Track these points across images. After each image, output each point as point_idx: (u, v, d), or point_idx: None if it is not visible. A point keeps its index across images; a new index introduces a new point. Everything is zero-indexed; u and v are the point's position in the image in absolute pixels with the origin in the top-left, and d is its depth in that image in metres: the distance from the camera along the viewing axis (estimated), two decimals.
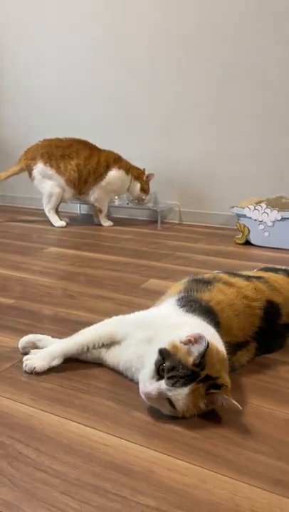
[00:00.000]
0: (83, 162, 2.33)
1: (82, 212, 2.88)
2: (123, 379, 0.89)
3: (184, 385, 0.72)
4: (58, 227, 2.40)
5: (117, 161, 2.38)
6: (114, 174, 2.36)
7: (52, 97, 2.81)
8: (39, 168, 2.34)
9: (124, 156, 2.44)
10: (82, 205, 2.85)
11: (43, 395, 0.84)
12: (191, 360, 0.74)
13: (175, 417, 0.77)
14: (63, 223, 2.42)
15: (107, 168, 2.36)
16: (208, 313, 0.88)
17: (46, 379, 0.90)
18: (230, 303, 0.91)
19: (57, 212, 2.44)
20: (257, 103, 2.28)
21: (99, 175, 2.36)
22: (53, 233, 2.27)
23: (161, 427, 0.75)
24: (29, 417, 0.77)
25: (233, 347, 0.89)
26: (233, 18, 2.25)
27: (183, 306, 0.89)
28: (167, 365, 0.73)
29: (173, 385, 0.72)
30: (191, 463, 0.67)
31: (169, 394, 0.73)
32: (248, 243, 2.08)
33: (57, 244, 2.02)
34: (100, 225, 2.48)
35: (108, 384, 0.88)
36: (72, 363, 0.96)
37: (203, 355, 0.73)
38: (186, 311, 0.88)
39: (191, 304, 0.89)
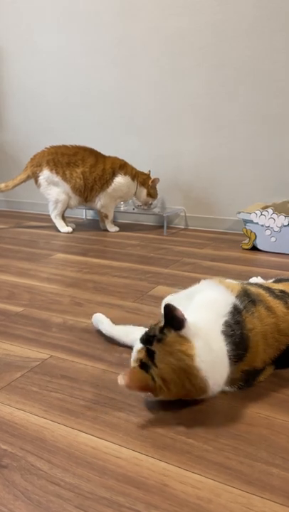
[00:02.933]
0: (89, 170, 2.33)
1: (88, 217, 2.89)
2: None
3: (141, 340, 0.82)
4: (65, 232, 2.41)
5: (122, 167, 2.39)
6: (120, 180, 2.37)
7: (55, 101, 2.82)
8: (45, 175, 2.34)
9: (129, 161, 2.44)
10: (88, 211, 2.86)
11: (55, 406, 0.84)
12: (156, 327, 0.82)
13: (188, 429, 0.77)
14: (70, 229, 2.42)
15: (113, 174, 2.37)
16: (242, 342, 0.85)
17: (57, 389, 0.90)
18: (265, 335, 0.88)
19: (63, 217, 2.45)
20: (263, 107, 2.28)
21: (105, 182, 2.36)
22: (60, 239, 2.28)
23: (174, 439, 0.75)
24: (41, 429, 0.77)
25: (252, 374, 0.88)
26: (237, 18, 2.25)
27: (229, 323, 0.86)
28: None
29: (140, 338, 0.83)
30: (204, 476, 0.67)
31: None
32: (254, 248, 2.08)
33: (64, 251, 2.03)
34: (106, 230, 2.49)
35: (119, 394, 0.88)
36: (82, 372, 0.96)
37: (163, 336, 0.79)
38: (223, 332, 0.85)
39: (238, 326, 0.86)
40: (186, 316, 0.81)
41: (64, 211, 2.43)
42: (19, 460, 0.70)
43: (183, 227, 2.62)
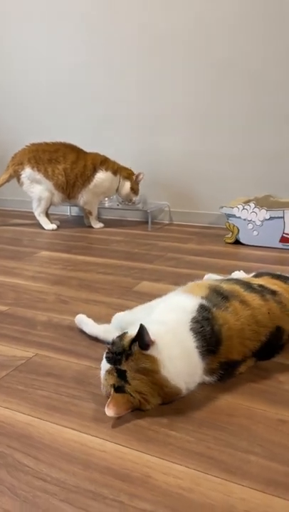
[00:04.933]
0: (70, 166, 2.34)
1: (73, 214, 2.89)
2: None
3: (108, 360, 0.83)
4: (49, 230, 2.41)
5: (103, 162, 2.39)
6: (101, 176, 2.37)
7: (39, 98, 2.81)
8: (27, 173, 2.34)
9: (112, 157, 2.45)
10: (72, 207, 2.86)
11: (41, 403, 0.86)
12: (126, 343, 0.83)
13: (171, 421, 0.80)
14: (54, 226, 2.42)
15: (94, 170, 2.37)
16: (214, 335, 0.88)
17: (43, 387, 0.91)
18: (240, 328, 0.91)
19: (47, 215, 2.45)
20: (244, 103, 2.30)
21: (86, 178, 2.37)
22: (44, 236, 2.28)
23: (157, 431, 0.77)
24: (27, 426, 0.79)
25: (230, 365, 0.91)
26: (221, 16, 2.26)
27: (195, 321, 0.89)
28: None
29: (106, 357, 0.84)
30: (186, 466, 0.69)
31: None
32: (237, 242, 2.11)
33: (48, 248, 2.03)
34: (91, 227, 2.50)
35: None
36: (67, 369, 0.97)
37: (131, 353, 0.81)
38: (192, 329, 0.87)
39: (202, 324, 0.89)
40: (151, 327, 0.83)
41: (48, 208, 2.43)
42: (5, 457, 0.71)
43: (167, 222, 2.64)
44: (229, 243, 2.12)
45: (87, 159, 2.36)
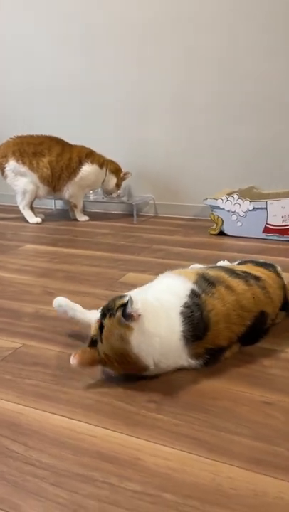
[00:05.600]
0: (55, 159, 2.32)
1: (58, 207, 2.88)
2: (105, 371, 0.92)
3: (101, 311, 0.88)
4: (34, 223, 2.40)
5: (89, 155, 2.39)
6: (87, 169, 2.37)
7: (19, 90, 2.78)
8: (11, 165, 2.32)
9: (98, 150, 2.44)
10: (57, 201, 2.85)
11: (29, 392, 0.86)
12: (117, 304, 0.86)
13: (158, 405, 0.81)
14: (39, 219, 2.41)
15: (80, 163, 2.36)
16: (202, 321, 0.90)
17: (30, 376, 0.92)
18: (226, 313, 0.93)
19: (31, 208, 2.44)
20: (228, 96, 2.32)
21: (72, 171, 2.36)
22: (29, 230, 2.27)
23: (145, 416, 0.79)
24: (16, 414, 0.79)
25: (217, 352, 0.92)
26: (204, 6, 2.27)
27: (187, 306, 0.91)
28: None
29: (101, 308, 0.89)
30: (174, 448, 0.71)
31: None
32: (221, 233, 2.13)
33: (33, 241, 2.02)
34: (76, 220, 2.49)
35: (90, 377, 0.91)
36: (53, 359, 0.98)
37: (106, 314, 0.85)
38: (182, 313, 0.90)
39: (197, 308, 0.91)
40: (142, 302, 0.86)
41: (32, 202, 2.42)
42: None
43: (152, 214, 2.64)
44: (214, 234, 2.14)
45: (73, 152, 2.35)
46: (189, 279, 1.00)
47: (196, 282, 0.98)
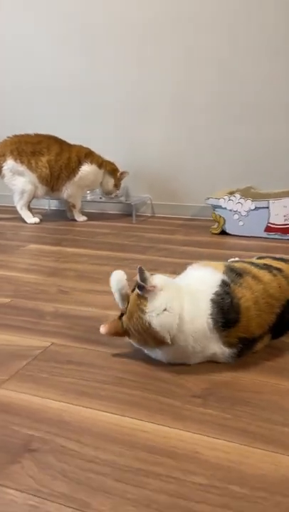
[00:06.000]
0: (54, 158, 2.30)
1: (52, 207, 2.85)
2: (141, 368, 0.92)
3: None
4: (31, 223, 2.37)
5: (88, 155, 2.37)
6: (86, 169, 2.35)
7: (18, 89, 2.74)
8: (9, 164, 2.28)
9: (96, 150, 2.43)
10: (51, 201, 2.82)
11: (69, 389, 0.85)
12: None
13: (203, 400, 0.81)
14: (37, 219, 2.38)
15: (79, 163, 2.35)
16: (233, 309, 0.91)
17: (66, 374, 0.90)
18: (256, 301, 0.94)
19: (29, 208, 2.40)
20: (227, 97, 2.34)
21: (71, 170, 2.34)
22: (28, 230, 2.23)
23: (192, 410, 0.78)
24: (61, 412, 0.78)
25: (250, 342, 0.93)
26: (200, 12, 2.29)
27: (219, 294, 0.93)
28: None
29: None
30: (229, 441, 0.71)
31: None
32: (223, 233, 2.15)
33: (35, 241, 1.99)
34: (74, 220, 2.47)
35: (128, 374, 0.90)
36: (86, 356, 0.97)
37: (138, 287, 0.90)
38: (212, 299, 0.92)
39: (228, 296, 0.92)
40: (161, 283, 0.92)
41: (30, 201, 2.39)
42: (48, 443, 0.70)
43: (149, 214, 2.65)
44: (215, 234, 2.15)
45: (72, 151, 2.33)
46: (218, 270, 1.01)
47: (224, 273, 1.00)
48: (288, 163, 2.31)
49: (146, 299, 0.89)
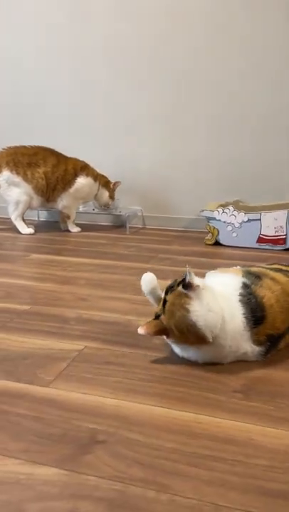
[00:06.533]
0: (51, 170, 2.34)
1: (42, 219, 2.87)
2: (179, 368, 0.97)
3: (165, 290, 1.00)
4: (26, 234, 2.38)
5: (84, 168, 2.43)
6: (82, 181, 2.40)
7: (7, 103, 2.77)
8: (5, 175, 2.30)
9: (89, 163, 2.48)
10: (41, 212, 2.84)
11: (116, 388, 0.89)
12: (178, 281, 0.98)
13: (245, 395, 0.87)
14: (31, 230, 2.40)
15: (75, 175, 2.39)
16: (258, 307, 0.99)
17: (110, 374, 0.94)
18: (277, 299, 1.02)
19: (22, 219, 2.42)
20: (215, 113, 2.46)
21: (67, 182, 2.38)
22: (23, 240, 2.25)
23: (238, 404, 0.84)
24: (117, 408, 0.82)
25: (276, 339, 1.01)
26: (188, 33, 2.41)
27: (243, 295, 1.00)
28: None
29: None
30: (281, 429, 0.77)
31: None
32: (217, 243, 2.24)
33: (37, 251, 2.02)
34: (68, 231, 2.50)
35: (168, 373, 0.95)
36: (124, 358, 1.01)
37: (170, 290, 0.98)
38: (240, 300, 0.99)
39: (252, 297, 1.00)
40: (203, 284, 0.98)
41: (24, 212, 2.40)
42: (113, 435, 0.74)
43: (141, 226, 2.71)
44: (209, 244, 2.24)
45: (68, 164, 2.38)
46: (237, 274, 1.10)
47: (244, 276, 1.09)
48: (274, 178, 2.44)
49: (190, 298, 0.94)
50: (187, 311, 0.93)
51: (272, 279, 1.09)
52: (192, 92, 2.47)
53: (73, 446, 0.72)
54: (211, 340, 0.93)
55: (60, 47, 2.60)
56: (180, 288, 0.96)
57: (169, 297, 0.97)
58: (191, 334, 0.94)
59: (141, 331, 0.98)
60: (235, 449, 0.72)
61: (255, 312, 0.98)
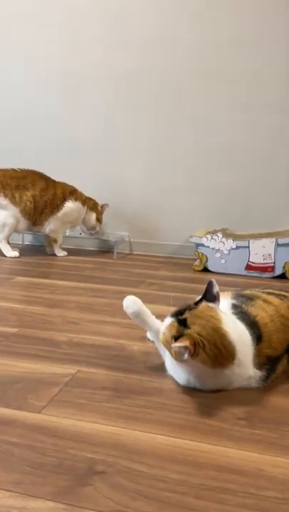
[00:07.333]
0: (39, 193, 2.31)
1: (26, 242, 2.82)
2: (178, 394, 0.92)
3: (171, 315, 0.94)
4: (11, 257, 2.32)
5: (72, 192, 2.41)
6: (71, 205, 2.38)
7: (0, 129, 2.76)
8: None
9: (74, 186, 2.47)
10: (25, 236, 2.79)
11: (113, 414, 0.84)
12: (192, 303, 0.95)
13: (248, 422, 0.83)
14: (16, 253, 2.34)
15: (64, 199, 2.37)
16: (254, 325, 0.96)
17: (105, 400, 0.89)
18: (271, 319, 1.00)
19: (8, 243, 2.37)
20: (200, 141, 2.49)
21: (55, 206, 2.35)
22: (8, 263, 2.19)
23: (241, 432, 0.80)
24: (114, 435, 0.77)
25: (274, 361, 0.98)
26: (180, 63, 2.46)
27: (236, 314, 0.99)
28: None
29: (170, 314, 0.95)
30: (288, 458, 0.73)
31: None
32: (205, 270, 2.22)
33: (22, 274, 1.96)
34: (54, 255, 2.45)
35: (167, 399, 0.90)
36: (119, 383, 0.96)
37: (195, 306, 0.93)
38: (237, 317, 0.98)
39: (243, 315, 0.98)
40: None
41: (10, 235, 2.35)
42: (113, 465, 0.69)
43: (128, 252, 2.68)
44: (198, 270, 2.22)
45: (57, 188, 2.36)
46: (226, 297, 1.08)
47: (233, 298, 1.09)
48: (261, 208, 2.46)
49: (218, 310, 0.92)
50: (218, 321, 0.90)
51: (265, 300, 1.08)
52: (182, 121, 2.50)
53: (70, 477, 0.66)
54: (236, 361, 0.89)
55: (49, 69, 2.62)
56: (204, 302, 0.93)
57: (189, 314, 0.91)
58: (222, 347, 0.88)
59: (179, 344, 0.85)
60: (245, 480, 0.67)
61: (253, 329, 0.96)
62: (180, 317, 0.92)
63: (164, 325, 0.94)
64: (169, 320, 0.94)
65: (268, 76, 2.37)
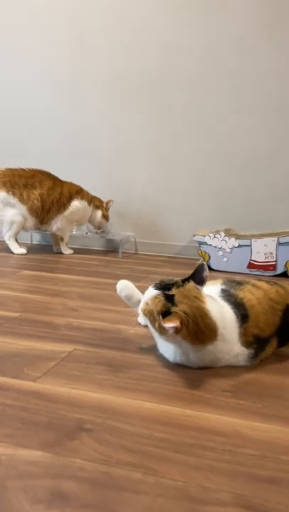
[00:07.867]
0: (46, 192, 2.38)
1: (34, 242, 2.89)
2: (169, 370, 0.96)
3: (156, 287, 0.98)
4: (18, 254, 2.39)
5: (79, 192, 2.48)
6: (77, 204, 2.45)
7: (8, 130, 2.84)
8: (1, 196, 2.34)
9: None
10: (34, 236, 2.86)
11: (105, 385, 0.88)
12: (179, 280, 0.99)
13: (233, 394, 0.86)
14: (23, 250, 2.41)
15: (70, 198, 2.44)
16: (240, 306, 1.00)
17: (98, 373, 0.93)
18: (259, 302, 1.04)
19: (16, 240, 2.44)
20: (204, 143, 2.55)
21: (62, 205, 2.42)
22: (16, 260, 2.25)
23: (225, 401, 0.84)
24: (103, 401, 0.81)
25: (262, 342, 1.01)
26: (182, 65, 2.53)
27: (222, 296, 1.02)
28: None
29: (154, 285, 1.00)
30: (268, 424, 0.76)
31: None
32: (208, 268, 2.25)
33: (29, 268, 2.02)
34: (60, 253, 2.51)
35: (159, 373, 0.94)
36: (113, 359, 1.01)
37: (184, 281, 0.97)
38: (224, 300, 1.02)
39: (230, 297, 1.02)
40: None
41: (18, 233, 2.42)
42: (101, 424, 0.73)
43: (133, 251, 2.73)
44: None
45: (64, 187, 2.43)
46: (216, 283, 1.13)
47: (223, 284, 1.13)
48: (263, 209, 2.50)
49: (202, 291, 0.97)
50: (202, 302, 0.94)
51: (254, 285, 1.12)
52: (187, 124, 2.56)
53: (59, 433, 0.70)
54: (218, 335, 0.94)
55: (56, 71, 2.71)
56: (191, 283, 0.97)
57: (177, 291, 0.95)
58: (204, 326, 0.93)
59: (170, 324, 0.89)
60: (223, 439, 0.71)
61: (239, 309, 1.01)
62: (167, 292, 0.96)
63: (147, 295, 0.98)
64: (152, 291, 0.98)
65: (271, 79, 2.42)
